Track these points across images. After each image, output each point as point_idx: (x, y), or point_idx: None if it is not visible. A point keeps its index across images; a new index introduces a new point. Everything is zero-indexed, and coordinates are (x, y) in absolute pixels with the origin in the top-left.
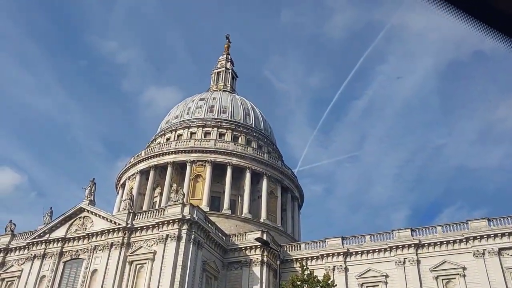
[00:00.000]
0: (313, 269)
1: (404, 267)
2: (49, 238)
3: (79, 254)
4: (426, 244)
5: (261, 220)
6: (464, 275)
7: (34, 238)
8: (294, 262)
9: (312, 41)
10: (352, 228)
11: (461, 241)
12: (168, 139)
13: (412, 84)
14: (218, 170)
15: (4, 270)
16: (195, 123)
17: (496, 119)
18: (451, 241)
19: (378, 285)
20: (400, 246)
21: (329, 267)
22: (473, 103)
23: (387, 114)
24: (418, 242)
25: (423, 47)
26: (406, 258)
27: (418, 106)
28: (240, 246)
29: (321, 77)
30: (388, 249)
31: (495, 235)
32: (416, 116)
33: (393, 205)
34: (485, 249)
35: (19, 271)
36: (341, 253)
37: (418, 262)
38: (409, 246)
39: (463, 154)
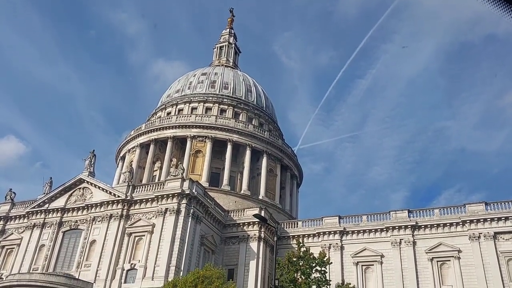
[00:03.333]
0: (309, 247)
1: (399, 248)
2: (49, 208)
3: (78, 225)
4: (422, 226)
5: (260, 197)
6: (459, 258)
7: (34, 207)
8: (291, 239)
9: (322, 18)
10: (350, 208)
11: (457, 224)
12: (168, 113)
13: (418, 64)
14: (218, 146)
15: (4, 238)
16: (196, 98)
17: (500, 103)
18: (447, 224)
19: (373, 265)
20: (397, 227)
21: (325, 245)
22: (479, 87)
23: (390, 94)
24: (415, 223)
25: (433, 26)
26: (402, 239)
27: (422, 87)
28: (238, 222)
29: (328, 54)
30: (385, 229)
31: (492, 219)
32: (419, 97)
33: (391, 186)
34: (481, 233)
35: (18, 239)
36: (338, 232)
37: (414, 243)
38: (406, 227)
39: (465, 137)
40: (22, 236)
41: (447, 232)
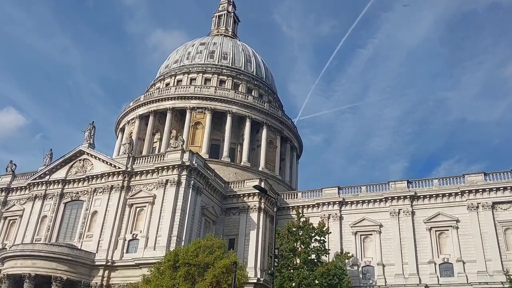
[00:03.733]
0: (308, 217)
1: (398, 218)
2: (50, 180)
3: (80, 196)
4: (421, 196)
5: (260, 168)
6: (457, 228)
7: (35, 179)
8: (291, 209)
9: None
10: (349, 179)
11: (456, 194)
12: (167, 84)
13: (419, 33)
14: (218, 118)
15: (6, 209)
16: (195, 68)
17: (503, 72)
18: (446, 194)
19: (371, 234)
20: (396, 197)
21: (324, 215)
22: (481, 56)
23: (391, 64)
24: (413, 194)
25: None
26: (401, 209)
27: (424, 57)
28: (238, 193)
29: (329, 24)
30: (384, 199)
31: (490, 189)
32: (420, 67)
33: (391, 157)
34: (480, 203)
35: (20, 210)
36: (337, 202)
37: (413, 213)
38: (405, 197)
39: (465, 107)
40: (24, 207)
41: (445, 202)
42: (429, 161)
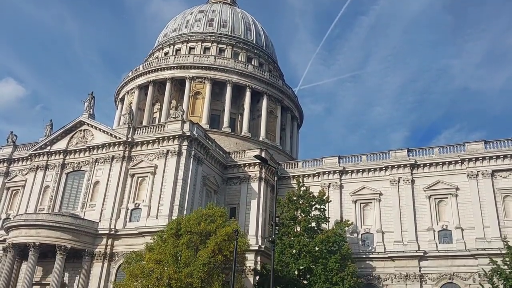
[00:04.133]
0: (309, 186)
1: (398, 186)
2: (51, 150)
3: (81, 166)
4: (421, 165)
5: (260, 138)
6: (456, 195)
7: (36, 149)
8: (291, 179)
9: None
10: (350, 148)
11: (456, 162)
12: (166, 54)
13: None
14: (218, 87)
15: (9, 180)
16: (194, 37)
17: (507, 40)
18: (446, 162)
19: (371, 202)
20: (396, 166)
21: (324, 184)
22: (485, 23)
23: (393, 32)
24: (414, 162)
25: None
26: (401, 178)
27: (426, 25)
28: (239, 163)
29: None
30: (384, 168)
31: (490, 157)
32: (423, 35)
33: (392, 126)
34: (479, 171)
35: (23, 181)
36: (337, 171)
37: (413, 181)
38: (405, 166)
39: (467, 76)
40: (26, 178)
41: (445, 171)
42: (430, 130)
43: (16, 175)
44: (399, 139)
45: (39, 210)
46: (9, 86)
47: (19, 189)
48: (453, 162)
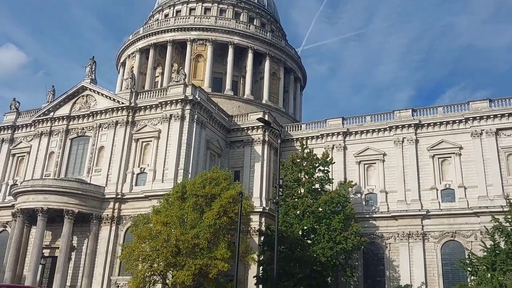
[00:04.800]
0: (312, 148)
1: (402, 146)
2: (54, 116)
3: (85, 132)
4: (425, 124)
5: (263, 101)
6: (460, 154)
7: (39, 115)
8: (295, 141)
9: None
10: (354, 110)
11: (460, 121)
12: (166, 16)
13: None
14: (220, 50)
15: (14, 146)
16: None
17: None
18: (450, 122)
19: (375, 163)
20: (400, 126)
21: (328, 146)
22: None
23: None
24: (418, 122)
25: None
26: (405, 138)
27: None
28: (242, 126)
29: None
30: (388, 128)
31: (495, 116)
32: None
33: (396, 86)
34: (483, 129)
35: (28, 147)
36: (341, 133)
37: (417, 141)
38: (409, 126)
39: (473, 33)
40: (31, 144)
41: (449, 130)
42: (435, 89)
43: (21, 142)
44: (404, 99)
45: (45, 176)
46: (10, 52)
47: (24, 156)
48: (457, 121)
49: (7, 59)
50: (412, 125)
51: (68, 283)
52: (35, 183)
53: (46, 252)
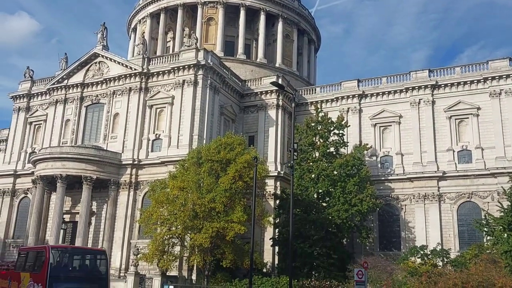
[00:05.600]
0: (327, 111)
1: (418, 108)
2: (68, 84)
3: (99, 99)
4: (442, 85)
5: (277, 64)
6: (477, 115)
7: (54, 83)
8: (309, 105)
9: None
10: (369, 71)
11: (478, 81)
12: None
13: None
14: (231, 12)
15: (30, 115)
16: None
17: None
18: (468, 82)
19: (391, 125)
20: (416, 87)
21: (343, 109)
22: None
23: None
24: (435, 83)
25: None
26: (422, 99)
27: None
28: (255, 91)
29: None
30: (404, 90)
31: None
32: None
33: (413, 46)
34: (502, 89)
35: (44, 115)
36: (356, 95)
37: (433, 102)
38: (426, 87)
39: None
40: (47, 112)
41: (467, 90)
42: (452, 48)
43: (37, 110)
44: (420, 59)
45: (62, 143)
46: (22, 20)
47: (41, 124)
48: (475, 81)
49: (20, 27)
50: (429, 86)
51: (89, 247)
52: (53, 151)
53: (67, 217)
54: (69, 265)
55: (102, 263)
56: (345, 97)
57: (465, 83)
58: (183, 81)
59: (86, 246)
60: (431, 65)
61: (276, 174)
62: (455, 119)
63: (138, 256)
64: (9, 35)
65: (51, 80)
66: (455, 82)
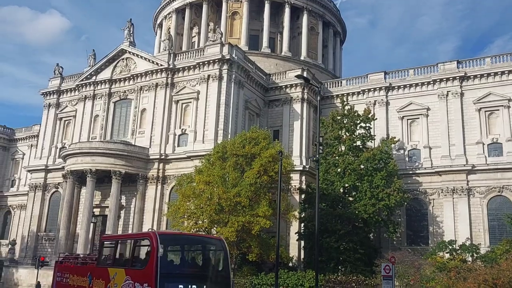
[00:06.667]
0: (353, 104)
1: (446, 100)
2: (96, 80)
3: (127, 95)
4: (471, 76)
5: (301, 58)
6: (509, 107)
7: (82, 80)
8: (335, 98)
9: None
10: (396, 63)
11: (510, 72)
12: None
13: None
14: (256, 6)
15: (60, 111)
16: None
17: None
18: (498, 73)
19: (418, 118)
20: (444, 79)
21: (370, 102)
22: None
23: None
24: (463, 74)
25: None
26: (450, 91)
27: None
28: (280, 85)
29: None
30: (432, 82)
31: None
32: None
33: (440, 37)
34: None
35: (73, 111)
36: (383, 88)
37: (462, 94)
38: (454, 78)
39: None
40: (76, 108)
41: (497, 81)
42: (481, 39)
43: (67, 106)
44: (448, 50)
45: (91, 139)
46: (53, 18)
47: (70, 119)
48: (506, 72)
49: (50, 25)
50: (457, 77)
51: None
52: (83, 146)
53: (97, 211)
54: (182, 259)
55: (221, 255)
56: (372, 89)
57: (495, 74)
58: (208, 76)
59: (200, 233)
60: (460, 56)
61: (301, 168)
62: (485, 111)
63: None
64: (40, 33)
65: (80, 76)
66: (485, 73)
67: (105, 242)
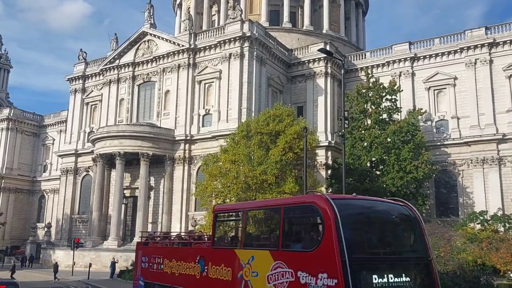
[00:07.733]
0: (378, 77)
1: (474, 68)
2: (120, 64)
3: (150, 77)
4: (501, 43)
5: (324, 31)
6: None
7: (106, 64)
8: (359, 71)
9: None
10: (421, 32)
11: None
12: None
13: None
14: None
15: (86, 96)
16: None
17: None
18: None
19: (446, 88)
20: (472, 47)
21: (395, 73)
22: None
23: None
24: (492, 41)
25: None
26: (478, 59)
27: None
28: (303, 60)
29: None
30: (459, 50)
31: None
32: None
33: (466, 3)
34: None
35: (99, 95)
36: (408, 59)
37: (491, 62)
38: (482, 46)
39: None
40: (102, 92)
41: None
42: (511, 3)
43: (92, 91)
44: (476, 16)
45: (118, 122)
46: (76, 4)
47: (97, 104)
48: None
49: (74, 11)
50: (486, 44)
51: (149, 220)
52: (110, 129)
53: (127, 192)
54: (368, 236)
55: (416, 228)
56: (397, 60)
57: None
58: (230, 54)
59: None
60: (488, 22)
61: (326, 144)
62: None
63: (196, 227)
64: (64, 19)
65: (104, 61)
66: None
67: (220, 214)
